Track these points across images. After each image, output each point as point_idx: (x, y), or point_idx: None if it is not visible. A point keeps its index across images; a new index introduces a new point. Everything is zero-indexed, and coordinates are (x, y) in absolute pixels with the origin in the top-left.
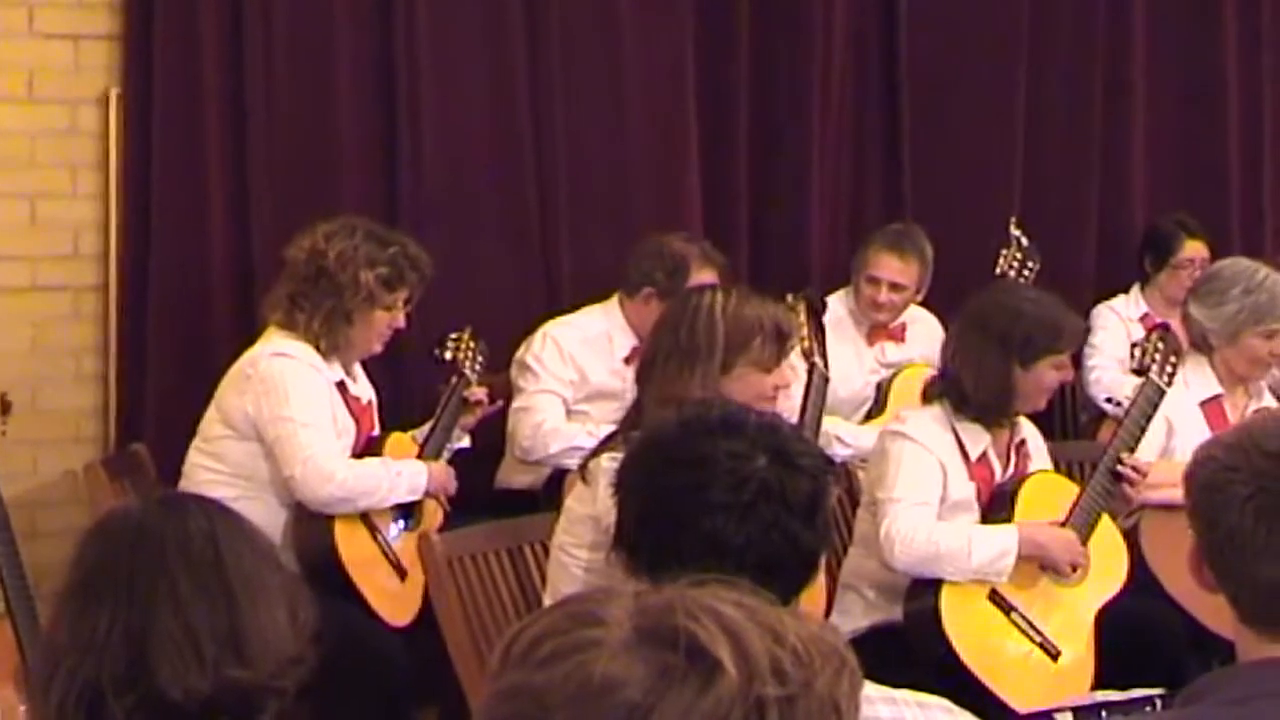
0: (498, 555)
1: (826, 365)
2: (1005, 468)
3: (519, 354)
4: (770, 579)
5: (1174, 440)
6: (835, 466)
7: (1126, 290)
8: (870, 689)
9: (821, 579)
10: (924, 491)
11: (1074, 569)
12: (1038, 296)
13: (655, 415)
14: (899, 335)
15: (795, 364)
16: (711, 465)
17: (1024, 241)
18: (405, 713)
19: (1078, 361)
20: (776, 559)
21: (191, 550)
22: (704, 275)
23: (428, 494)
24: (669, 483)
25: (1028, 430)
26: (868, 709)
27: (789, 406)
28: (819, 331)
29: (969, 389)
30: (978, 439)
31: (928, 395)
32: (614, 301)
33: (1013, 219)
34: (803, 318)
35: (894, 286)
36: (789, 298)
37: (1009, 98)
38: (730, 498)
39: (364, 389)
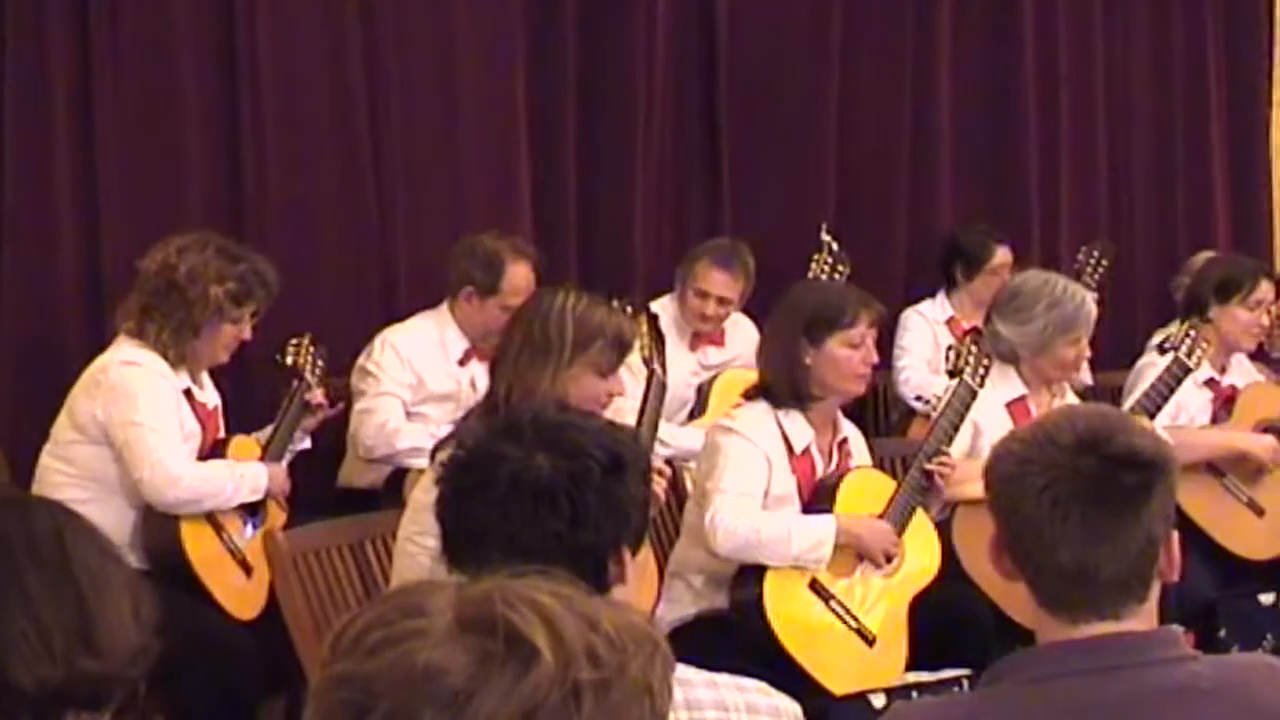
0: (340, 551)
1: (665, 372)
2: (827, 463)
3: (359, 361)
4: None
5: (980, 441)
6: (639, 461)
7: (933, 295)
8: (691, 673)
9: (654, 569)
10: (749, 483)
11: (888, 559)
12: (828, 284)
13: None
14: (719, 340)
15: (635, 368)
16: (488, 465)
17: (834, 246)
18: (253, 703)
19: (888, 363)
20: (542, 553)
21: (38, 548)
22: (519, 268)
23: (268, 494)
24: (453, 481)
25: (850, 430)
26: (689, 692)
27: (628, 408)
28: (658, 340)
29: (769, 375)
30: (802, 434)
31: (749, 394)
32: (444, 308)
33: (823, 225)
34: (644, 327)
35: (721, 301)
36: (616, 302)
37: (823, 110)
38: (494, 495)
39: (210, 395)
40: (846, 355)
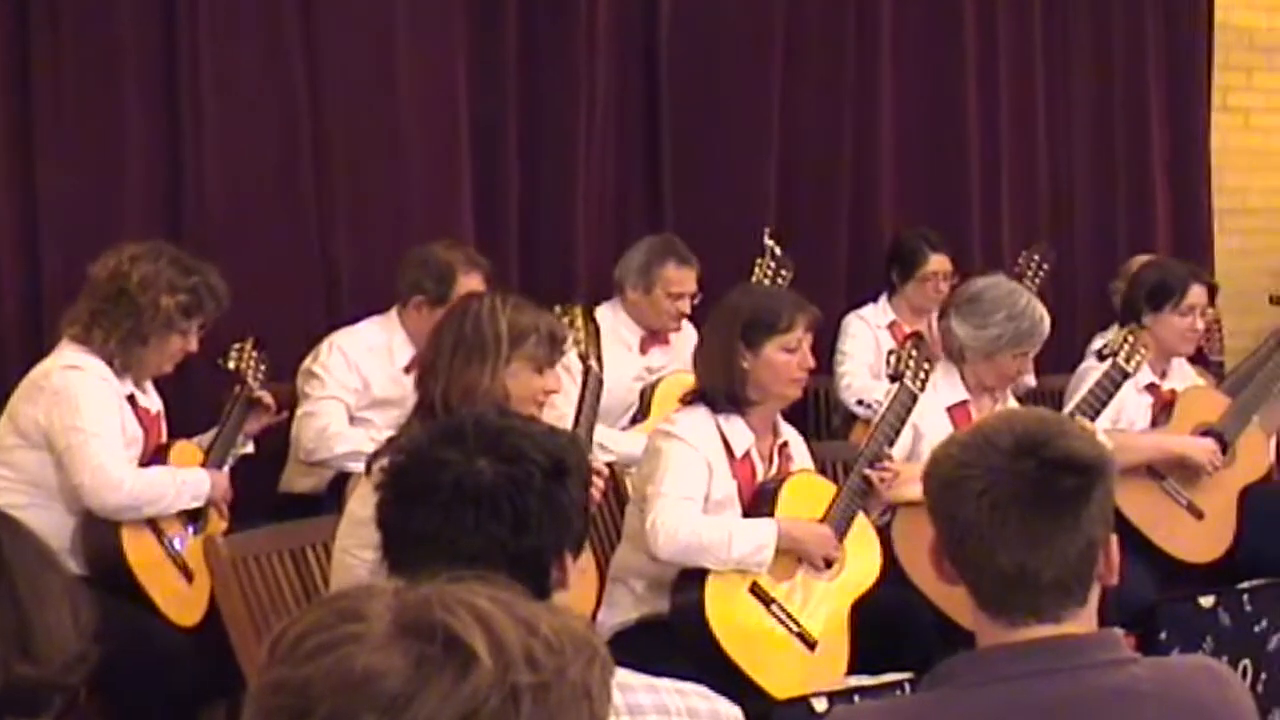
0: (281, 556)
1: (601, 368)
2: (768, 468)
3: (306, 363)
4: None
5: (921, 444)
6: (580, 466)
7: (875, 299)
8: (631, 678)
9: (594, 574)
10: (689, 487)
11: (828, 563)
12: (765, 289)
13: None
14: (665, 339)
15: (573, 370)
16: (430, 470)
17: (777, 251)
18: (194, 709)
19: (830, 368)
20: (485, 558)
21: None
22: (471, 279)
23: (209, 501)
24: (395, 487)
25: (790, 434)
26: (630, 696)
27: (565, 414)
28: (595, 336)
29: (707, 380)
30: (742, 438)
31: (686, 399)
32: (392, 314)
33: (766, 230)
34: (580, 322)
35: (692, 295)
36: (558, 308)
37: (764, 115)
38: (436, 500)
39: (152, 400)
40: (783, 360)
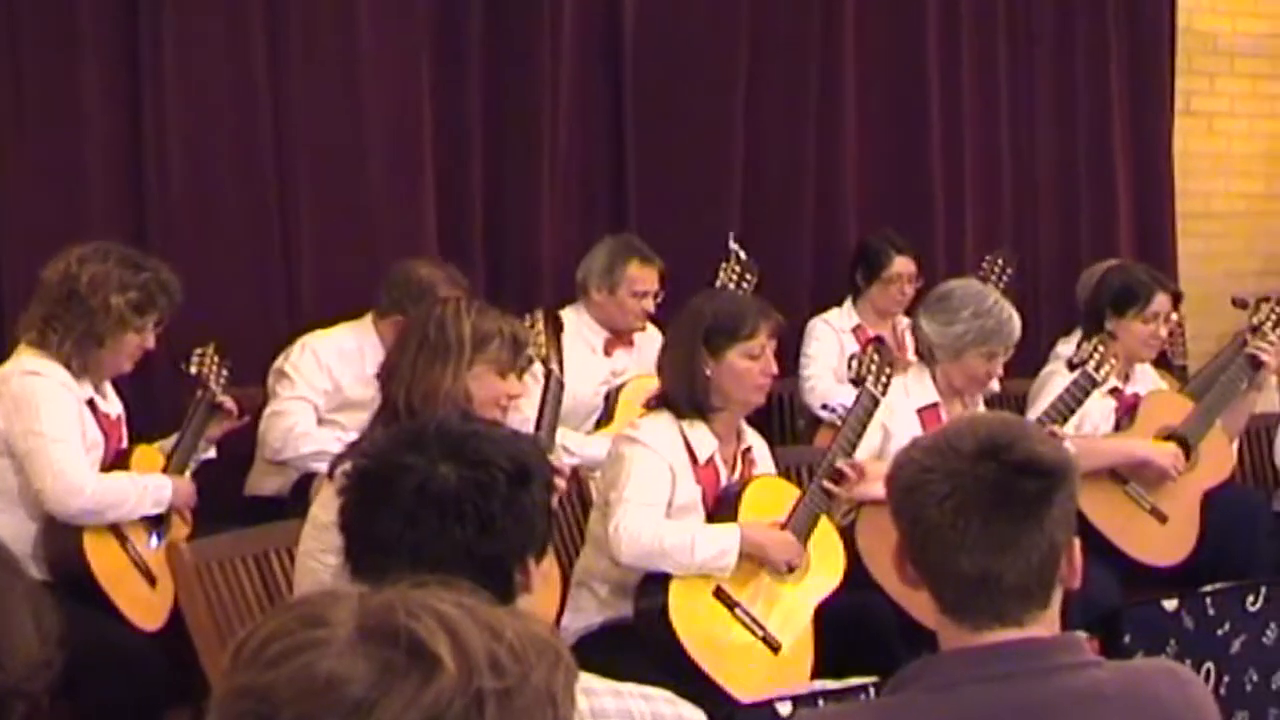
0: (244, 561)
1: (563, 372)
2: (731, 473)
3: (277, 363)
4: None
5: (890, 444)
6: (544, 470)
7: (840, 303)
8: (596, 682)
9: (556, 578)
10: (652, 493)
11: (790, 569)
12: (729, 295)
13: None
14: (629, 341)
15: (536, 372)
16: (393, 475)
17: (742, 255)
18: (158, 715)
19: (795, 371)
20: (449, 563)
21: None
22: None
23: (172, 507)
24: (357, 492)
25: (754, 439)
26: (594, 701)
27: (527, 418)
28: (556, 339)
29: (670, 386)
30: (706, 444)
31: (650, 404)
32: (367, 320)
33: (731, 234)
34: (540, 326)
35: (655, 293)
36: (527, 317)
37: (729, 121)
38: (399, 505)
39: (113, 404)
40: (746, 366)
